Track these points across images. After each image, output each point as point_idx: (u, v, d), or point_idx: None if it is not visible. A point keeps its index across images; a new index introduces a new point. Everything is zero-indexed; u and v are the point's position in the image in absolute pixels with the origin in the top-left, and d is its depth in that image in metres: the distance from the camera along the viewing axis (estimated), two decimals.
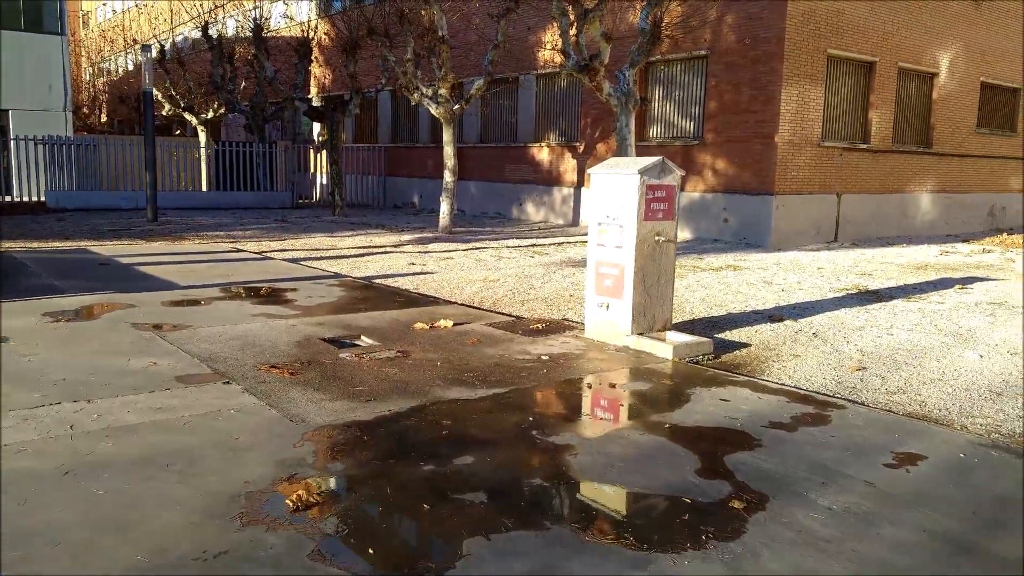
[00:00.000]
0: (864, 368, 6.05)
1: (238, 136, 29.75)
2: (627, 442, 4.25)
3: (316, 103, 25.66)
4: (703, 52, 15.83)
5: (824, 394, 5.36)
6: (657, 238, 6.43)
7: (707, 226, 15.87)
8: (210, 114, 26.10)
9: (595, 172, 6.59)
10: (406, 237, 15.35)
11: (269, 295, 8.56)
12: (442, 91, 15.32)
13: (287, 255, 12.35)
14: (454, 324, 7.13)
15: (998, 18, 19.06)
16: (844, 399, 5.26)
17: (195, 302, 8.10)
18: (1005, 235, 17.61)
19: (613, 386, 5.39)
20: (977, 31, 18.57)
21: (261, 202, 23.23)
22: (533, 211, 20.15)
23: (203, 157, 24.94)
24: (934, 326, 7.66)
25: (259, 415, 4.58)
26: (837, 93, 15.99)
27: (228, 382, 5.22)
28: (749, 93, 15.16)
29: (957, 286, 10.38)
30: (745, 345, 6.76)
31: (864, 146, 16.55)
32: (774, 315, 8.03)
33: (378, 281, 9.97)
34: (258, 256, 12.10)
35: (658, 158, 6.39)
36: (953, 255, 14.37)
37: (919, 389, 5.54)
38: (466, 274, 10.65)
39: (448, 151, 15.94)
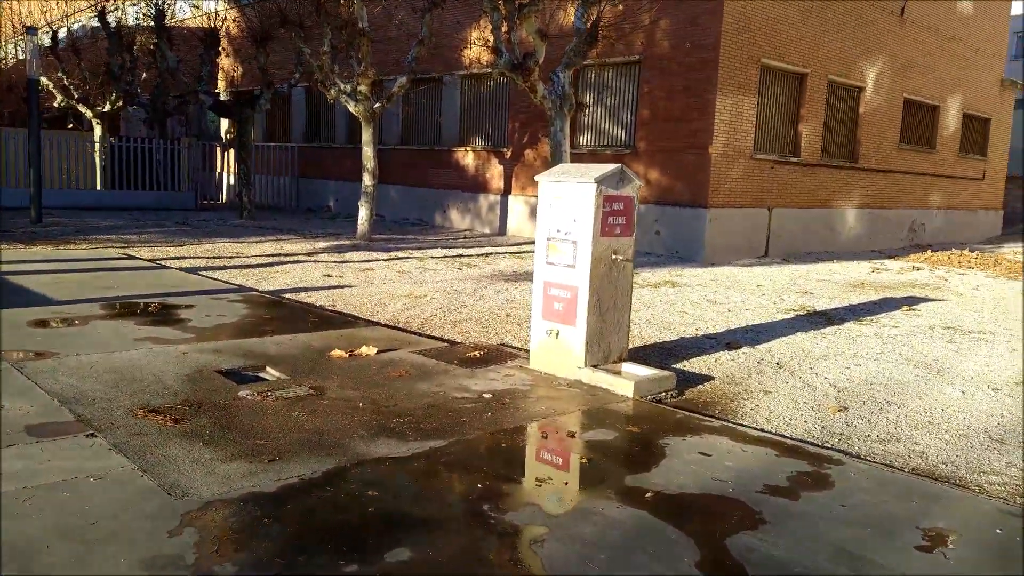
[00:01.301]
0: (845, 408, 5.38)
1: (140, 131, 27.81)
2: (604, 520, 3.39)
3: (224, 97, 24.10)
4: (636, 57, 15.26)
5: (813, 443, 4.64)
6: (614, 256, 5.63)
7: (639, 239, 15.22)
8: (107, 106, 24.18)
9: (544, 180, 5.75)
10: (321, 244, 14.21)
11: (159, 313, 7.39)
12: (362, 88, 14.26)
13: (185, 263, 11.08)
14: (378, 351, 6.16)
15: (919, 35, 19.20)
16: (836, 450, 4.54)
17: (69, 322, 6.87)
18: (929, 252, 17.67)
19: (573, 435, 4.54)
20: (901, 46, 18.64)
21: (161, 203, 21.58)
22: (458, 219, 19.24)
23: (98, 153, 23.08)
24: (899, 355, 7.11)
25: (128, 485, 3.53)
26: (769, 105, 15.66)
27: (93, 434, 4.13)
28: (683, 101, 14.65)
29: (904, 308, 9.99)
30: (708, 378, 6.02)
31: (794, 159, 16.29)
32: (730, 341, 7.35)
33: (289, 296, 8.88)
34: (152, 264, 10.80)
35: (616, 165, 5.60)
36: (884, 272, 14.16)
37: (913, 436, 4.89)
38: (389, 288, 9.66)
39: (367, 152, 14.88)
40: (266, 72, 17.88)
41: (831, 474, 4.07)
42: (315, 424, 4.46)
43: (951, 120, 21.40)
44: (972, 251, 18.09)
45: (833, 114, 17.29)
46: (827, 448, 4.55)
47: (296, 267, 11.20)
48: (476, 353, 6.25)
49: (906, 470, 4.28)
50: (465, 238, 16.87)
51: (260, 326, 7.05)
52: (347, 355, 6.03)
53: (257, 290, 9.13)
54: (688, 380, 5.92)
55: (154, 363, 5.58)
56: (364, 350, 6.14)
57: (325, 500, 3.48)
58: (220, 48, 21.91)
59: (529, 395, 5.22)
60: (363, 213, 14.95)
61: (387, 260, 12.43)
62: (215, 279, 9.81)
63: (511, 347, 6.70)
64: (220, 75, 27.07)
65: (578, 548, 3.13)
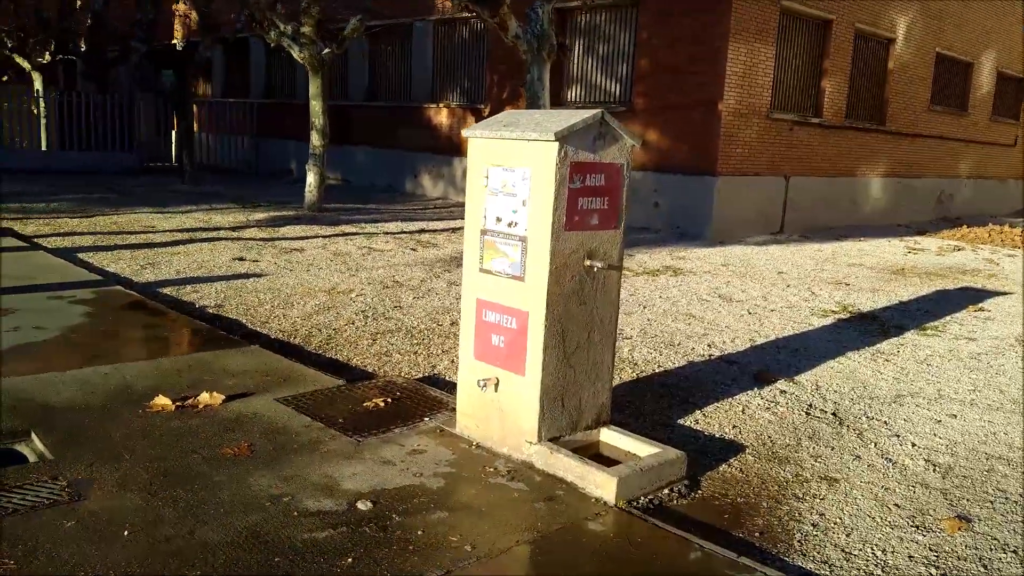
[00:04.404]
0: (967, 520, 3.25)
1: (123, 88, 25.25)
2: None
3: (179, 48, 21.61)
4: None
5: None
6: (589, 263, 3.46)
7: (633, 211, 12.95)
8: (46, 57, 21.70)
9: (476, 135, 3.55)
10: (258, 216, 11.98)
11: None
12: (305, 29, 11.94)
13: (67, 242, 8.87)
14: (226, 399, 4.00)
15: None
16: None
17: None
18: (965, 228, 15.48)
19: None
20: None
21: (101, 165, 19.20)
22: (430, 185, 16.98)
23: (41, 109, 20.67)
24: (1001, 393, 4.98)
25: None
26: (789, 56, 13.36)
27: None
28: (689, 50, 12.35)
29: (969, 307, 7.85)
30: (736, 448, 3.88)
31: (816, 120, 14.03)
32: (759, 369, 5.20)
33: (167, 291, 6.70)
34: (21, 244, 8.57)
35: (593, 113, 3.39)
36: (922, 254, 12.02)
37: None
38: (309, 279, 7.47)
39: (316, 107, 12.60)
40: (206, 16, 15.49)
41: None
42: None
43: (984, 79, 19.10)
44: (1012, 227, 15.90)
45: (859, 69, 14.99)
46: None
47: (207, 247, 8.99)
48: (380, 401, 4.09)
49: None
50: (435, 208, 14.65)
51: (80, 347, 4.87)
52: (173, 407, 3.87)
53: (129, 282, 6.94)
54: (704, 452, 3.78)
55: None
56: (204, 398, 3.97)
57: None
58: None
59: (440, 503, 3.07)
60: (311, 179, 12.71)
61: (328, 237, 10.22)
62: (88, 264, 7.62)
63: (439, 386, 4.53)
64: (177, 23, 24.62)
65: None
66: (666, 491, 3.30)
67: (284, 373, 4.51)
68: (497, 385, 3.54)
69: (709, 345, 5.79)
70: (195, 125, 21.88)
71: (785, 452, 3.84)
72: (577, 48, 13.84)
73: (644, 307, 7.03)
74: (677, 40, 12.49)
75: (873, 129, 15.43)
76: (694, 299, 7.50)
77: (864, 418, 4.38)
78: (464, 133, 3.61)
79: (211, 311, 6.11)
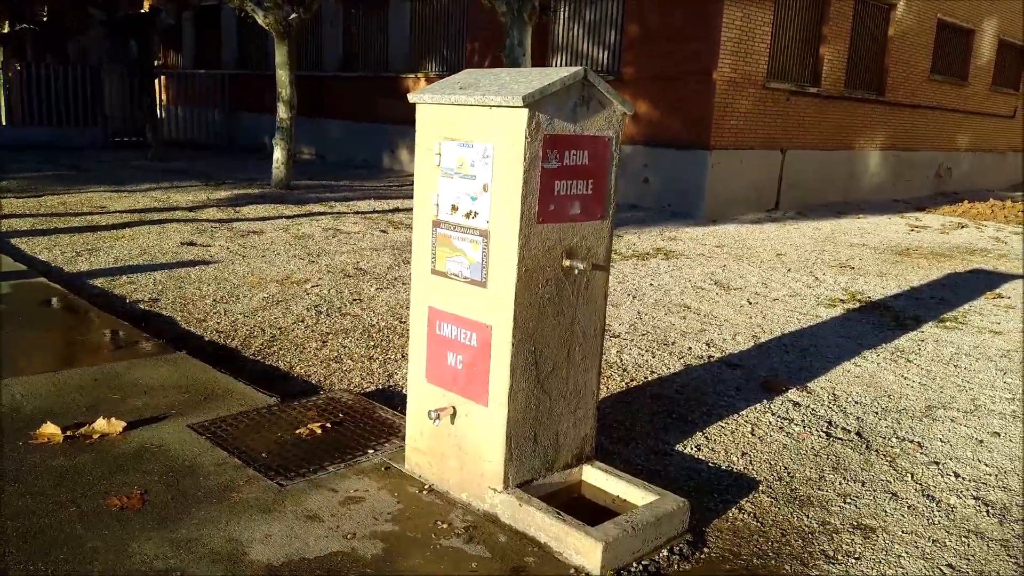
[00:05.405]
0: None
1: (94, 59, 24.15)
2: None
3: (144, 12, 20.58)
4: None
5: None
6: (568, 263, 2.75)
7: (622, 188, 12.23)
8: (4, 28, 20.68)
9: (424, 100, 2.84)
10: (221, 194, 11.18)
11: None
12: None
13: (5, 226, 8.08)
14: (128, 426, 3.29)
15: None
16: None
17: None
18: (966, 204, 14.83)
19: None
20: None
21: (65, 140, 18.23)
22: (408, 160, 16.18)
23: None
24: None
25: None
26: (786, 20, 12.60)
27: None
28: (681, 15, 11.58)
29: (986, 293, 7.21)
30: (747, 485, 3.20)
31: (814, 90, 13.30)
32: (767, 376, 4.53)
33: (98, 283, 5.94)
34: None
35: (573, 71, 2.66)
36: (925, 232, 11.38)
37: None
38: (263, 266, 6.73)
39: (282, 77, 11.76)
40: None
41: None
42: None
43: (985, 48, 18.38)
44: (1014, 202, 15.27)
45: (859, 36, 14.23)
46: None
47: (156, 230, 8.21)
48: (316, 427, 3.38)
49: None
50: (412, 185, 13.83)
51: None
52: (62, 437, 3.16)
53: (59, 272, 6.19)
54: (709, 490, 3.11)
55: None
56: (101, 425, 3.26)
57: None
58: None
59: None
60: (278, 154, 11.91)
61: (293, 217, 9.46)
62: (17, 251, 6.85)
63: (393, 402, 3.82)
64: None
65: None
66: (664, 552, 2.63)
67: (208, 388, 3.79)
68: (454, 416, 2.84)
69: (708, 344, 5.11)
70: (164, 97, 20.99)
71: (807, 489, 3.17)
72: (562, 13, 13.03)
73: (634, 297, 6.35)
74: (669, 4, 11.71)
75: (872, 99, 14.73)
76: (688, 287, 6.82)
77: (894, 439, 3.72)
78: (410, 98, 2.89)
79: (143, 307, 5.38)
